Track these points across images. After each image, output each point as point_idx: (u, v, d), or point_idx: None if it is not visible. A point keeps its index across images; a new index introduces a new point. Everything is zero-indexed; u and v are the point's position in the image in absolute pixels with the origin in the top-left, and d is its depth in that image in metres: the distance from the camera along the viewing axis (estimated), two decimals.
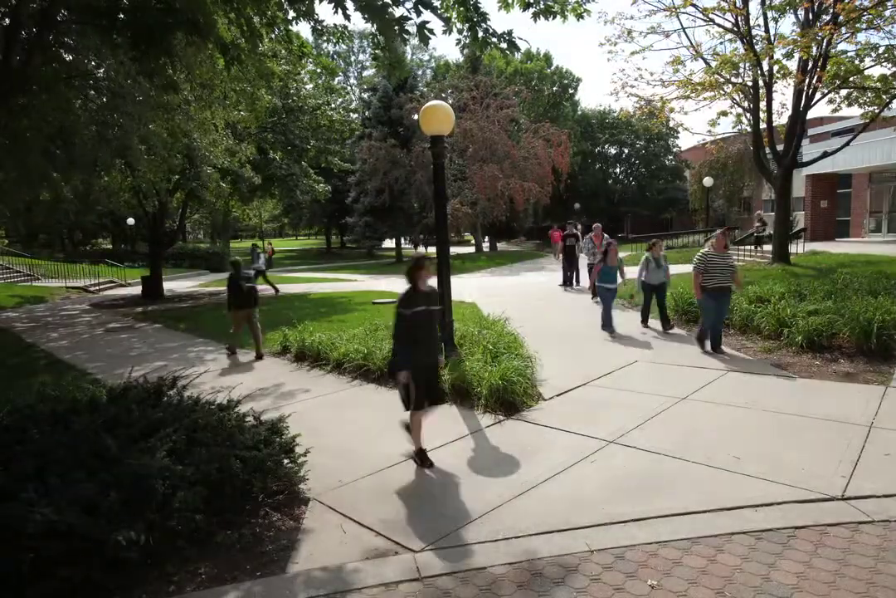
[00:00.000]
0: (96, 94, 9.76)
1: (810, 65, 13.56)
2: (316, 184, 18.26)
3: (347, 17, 4.29)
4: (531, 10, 4.55)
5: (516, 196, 29.59)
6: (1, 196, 11.75)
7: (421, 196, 31.37)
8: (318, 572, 3.13)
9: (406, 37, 4.10)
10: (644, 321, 9.50)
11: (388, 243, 42.95)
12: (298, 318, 9.75)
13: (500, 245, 41.28)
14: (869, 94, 14.00)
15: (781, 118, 15.36)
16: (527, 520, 3.57)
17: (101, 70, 9.18)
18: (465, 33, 4.44)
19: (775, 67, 13.90)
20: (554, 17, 4.59)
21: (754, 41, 13.75)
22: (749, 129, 15.22)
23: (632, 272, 10.00)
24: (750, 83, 14.39)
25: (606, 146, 46.83)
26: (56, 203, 15.49)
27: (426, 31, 3.96)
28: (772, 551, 3.15)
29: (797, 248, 17.69)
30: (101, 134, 9.72)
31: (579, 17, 4.68)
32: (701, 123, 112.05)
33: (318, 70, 17.36)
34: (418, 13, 3.92)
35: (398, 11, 3.96)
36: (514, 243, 42.08)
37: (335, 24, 5.49)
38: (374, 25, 3.96)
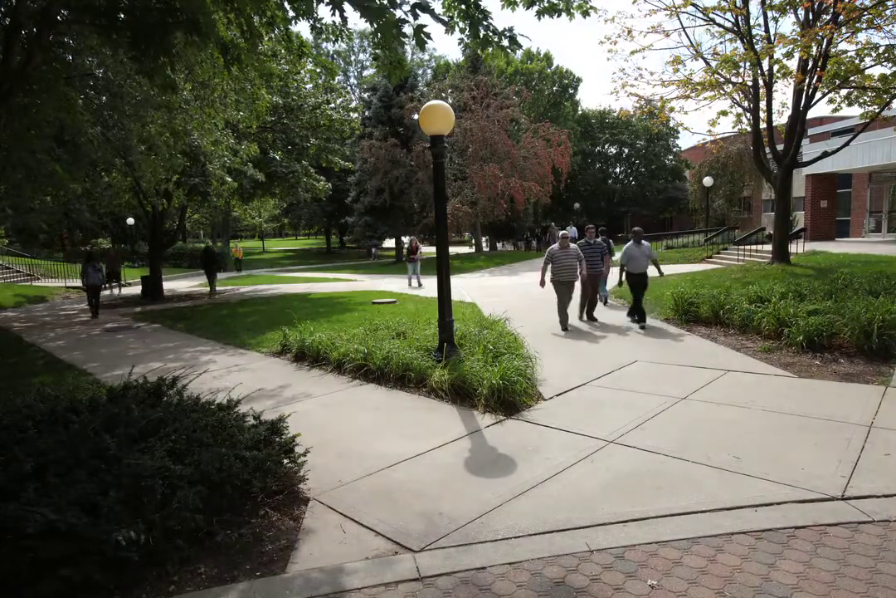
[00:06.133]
0: (96, 93, 9.75)
1: (810, 64, 13.56)
2: (316, 182, 18.27)
3: (345, 19, 4.29)
4: (535, 8, 4.53)
5: (516, 196, 29.62)
6: (7, 195, 11.78)
7: (421, 196, 31.40)
8: (317, 572, 3.13)
9: (403, 40, 4.09)
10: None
11: (388, 243, 42.96)
12: (298, 318, 9.74)
13: (500, 245, 41.32)
14: (869, 94, 13.99)
15: (781, 118, 15.37)
16: (526, 520, 3.57)
17: (101, 70, 9.18)
18: (466, 33, 4.43)
19: (775, 67, 13.90)
20: (559, 15, 4.57)
21: (754, 41, 13.75)
22: (749, 128, 15.21)
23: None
24: (750, 83, 14.38)
25: (606, 146, 46.91)
26: (64, 202, 15.55)
27: (423, 35, 3.94)
28: (772, 551, 3.15)
29: (797, 247, 17.70)
30: (104, 134, 9.73)
31: (585, 14, 4.65)
32: (701, 123, 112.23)
33: (318, 70, 17.35)
34: (415, 16, 3.90)
35: (396, 13, 3.95)
36: (514, 243, 42.09)
37: (334, 23, 5.48)
38: (373, 26, 3.95)
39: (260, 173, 15.33)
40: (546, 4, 4.50)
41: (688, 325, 9.26)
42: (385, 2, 3.85)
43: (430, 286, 10.52)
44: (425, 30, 3.95)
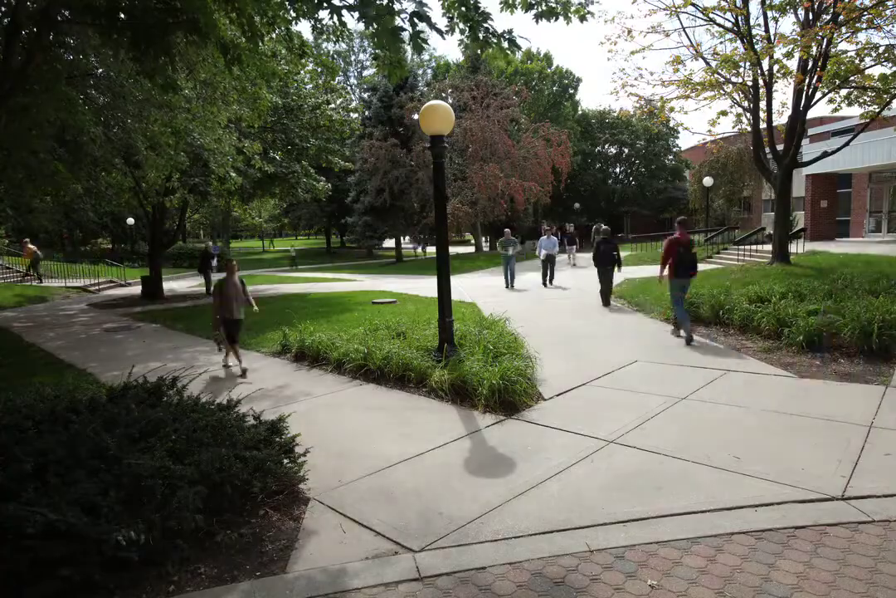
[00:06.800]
0: (97, 93, 9.76)
1: (810, 64, 13.55)
2: (316, 182, 18.27)
3: (343, 24, 4.30)
4: (533, 11, 4.53)
5: (516, 196, 29.63)
6: (7, 195, 11.79)
7: (421, 196, 31.43)
8: (317, 572, 3.13)
9: (401, 44, 4.09)
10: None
11: (388, 243, 42.99)
12: (298, 318, 9.74)
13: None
14: (869, 94, 13.99)
15: (781, 118, 15.35)
16: (527, 520, 3.57)
17: (101, 70, 9.18)
18: (466, 34, 4.43)
19: (775, 67, 13.89)
20: (556, 19, 4.56)
21: (754, 41, 13.75)
22: (749, 128, 15.21)
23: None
24: (750, 83, 14.37)
25: (606, 146, 46.86)
26: (65, 202, 15.60)
27: (420, 40, 3.97)
28: (772, 551, 3.15)
29: (797, 247, 17.69)
30: (106, 133, 9.74)
31: (582, 18, 4.65)
32: (701, 123, 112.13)
33: (319, 69, 17.34)
34: (413, 25, 3.93)
35: (395, 20, 3.96)
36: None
37: (335, 23, 5.48)
38: (370, 29, 3.96)
39: (269, 165, 15.36)
40: (544, 8, 4.49)
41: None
42: (384, 10, 3.85)
43: (429, 286, 10.47)
44: (422, 35, 3.96)
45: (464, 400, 5.89)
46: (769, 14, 13.95)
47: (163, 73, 5.05)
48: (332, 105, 18.46)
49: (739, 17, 13.96)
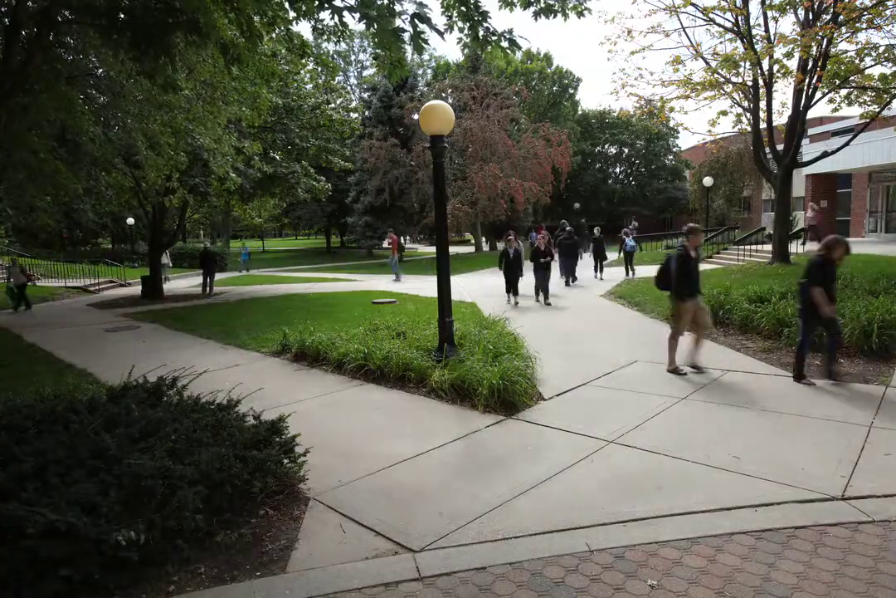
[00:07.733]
0: (97, 93, 9.76)
1: (810, 64, 13.56)
2: (316, 182, 18.28)
3: (345, 25, 4.31)
4: (532, 9, 4.54)
5: (516, 196, 29.66)
6: (8, 195, 11.78)
7: (421, 196, 31.43)
8: (317, 572, 3.13)
9: (402, 45, 4.10)
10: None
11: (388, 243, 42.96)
12: (298, 317, 9.74)
13: (500, 245, 41.30)
14: (869, 94, 14.00)
15: (781, 118, 15.36)
16: (527, 520, 3.57)
17: (101, 70, 9.18)
18: (465, 32, 4.44)
19: (775, 67, 13.90)
20: (555, 16, 4.57)
21: (754, 41, 13.76)
22: (749, 128, 15.22)
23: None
24: (750, 83, 14.39)
25: (606, 146, 46.93)
26: (65, 202, 15.61)
27: (421, 41, 3.98)
28: (772, 551, 3.15)
29: (797, 247, 17.69)
30: (106, 133, 9.74)
31: (580, 15, 4.66)
32: (701, 123, 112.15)
33: (319, 69, 17.36)
34: (415, 27, 3.94)
35: (395, 22, 3.97)
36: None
37: (336, 24, 5.49)
38: (371, 30, 3.98)
39: (268, 166, 15.41)
40: (542, 5, 4.50)
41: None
42: (385, 11, 3.86)
43: (429, 286, 10.50)
44: (423, 36, 3.96)
45: (464, 400, 5.89)
46: (769, 14, 13.97)
47: (163, 73, 5.05)
48: (332, 105, 18.47)
49: (739, 17, 13.97)
